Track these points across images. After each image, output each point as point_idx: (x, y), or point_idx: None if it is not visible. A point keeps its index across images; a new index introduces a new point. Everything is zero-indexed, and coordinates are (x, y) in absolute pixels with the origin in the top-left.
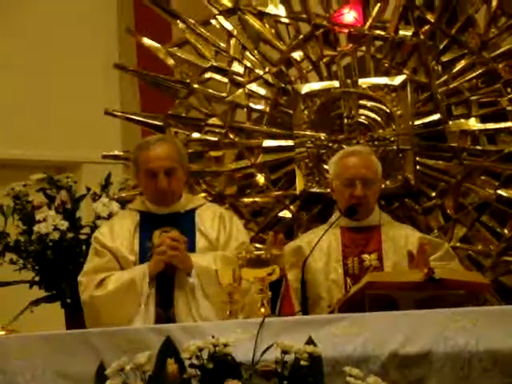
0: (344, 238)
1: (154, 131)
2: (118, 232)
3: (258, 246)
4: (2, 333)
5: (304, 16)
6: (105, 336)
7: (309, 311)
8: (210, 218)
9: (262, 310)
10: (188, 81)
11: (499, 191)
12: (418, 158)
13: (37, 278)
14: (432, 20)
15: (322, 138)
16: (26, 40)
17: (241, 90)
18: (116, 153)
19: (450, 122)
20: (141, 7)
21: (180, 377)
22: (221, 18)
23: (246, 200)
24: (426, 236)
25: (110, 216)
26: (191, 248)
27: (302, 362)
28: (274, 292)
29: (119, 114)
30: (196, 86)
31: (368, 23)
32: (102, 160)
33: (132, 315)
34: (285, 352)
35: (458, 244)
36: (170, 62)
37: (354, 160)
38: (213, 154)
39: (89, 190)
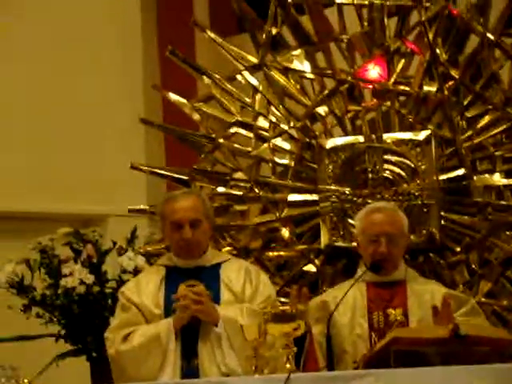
0: (369, 292)
1: (179, 185)
2: (144, 287)
3: (282, 300)
4: None
5: (329, 72)
6: None
7: (334, 367)
8: (235, 271)
9: (288, 365)
10: (213, 135)
11: None
12: (442, 213)
13: (63, 332)
14: (456, 76)
15: (347, 192)
16: (57, 91)
17: (266, 145)
18: (142, 207)
19: (475, 177)
20: (166, 62)
21: None
22: (246, 74)
23: (271, 254)
24: (451, 291)
25: (135, 270)
26: (216, 301)
27: None
28: (298, 347)
29: (145, 168)
30: (221, 140)
31: (392, 79)
32: (128, 214)
33: (157, 370)
34: None
35: (483, 299)
36: (196, 116)
37: (379, 216)
38: (238, 208)
39: (115, 244)
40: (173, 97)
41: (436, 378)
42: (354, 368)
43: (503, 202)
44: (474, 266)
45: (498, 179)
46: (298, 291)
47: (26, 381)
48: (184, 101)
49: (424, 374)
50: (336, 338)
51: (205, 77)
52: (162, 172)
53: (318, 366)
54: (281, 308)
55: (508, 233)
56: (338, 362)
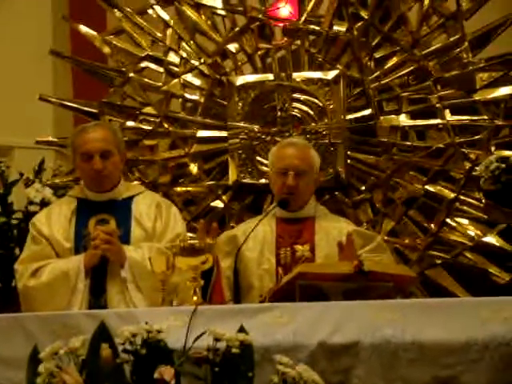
0: (278, 228)
1: (87, 118)
2: (55, 219)
3: (190, 235)
4: None
5: (240, 8)
6: (39, 320)
7: (241, 300)
8: (147, 206)
9: (195, 298)
10: (124, 69)
11: (427, 186)
12: (349, 152)
13: None
14: (365, 17)
15: (256, 129)
16: None
17: (176, 80)
18: (50, 139)
19: (381, 118)
20: None
21: (113, 361)
22: (158, 8)
23: (179, 189)
24: (359, 229)
25: (42, 202)
26: (126, 237)
27: (234, 350)
28: (206, 280)
29: (53, 99)
30: (132, 74)
31: (303, 18)
32: (35, 146)
33: (64, 307)
34: (217, 339)
35: (386, 237)
36: (106, 50)
37: (290, 150)
38: (147, 142)
39: (21, 175)
40: (83, 29)
41: (339, 313)
42: (259, 302)
43: (408, 143)
44: (377, 205)
45: (403, 120)
46: (207, 225)
47: None
48: (94, 33)
49: (327, 309)
50: (244, 272)
51: (116, 10)
52: (71, 104)
53: (225, 299)
54: (189, 242)
55: (411, 173)
56: (245, 296)
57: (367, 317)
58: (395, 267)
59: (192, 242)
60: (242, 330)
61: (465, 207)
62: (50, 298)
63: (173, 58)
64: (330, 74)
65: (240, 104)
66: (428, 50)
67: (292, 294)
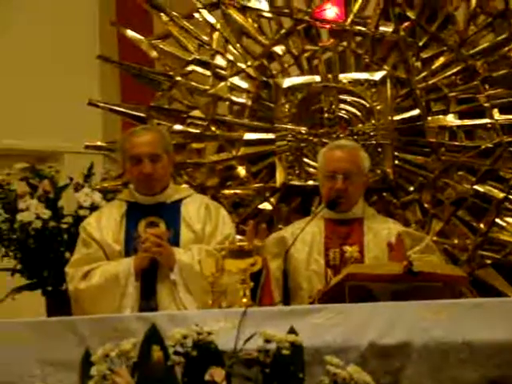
0: (327, 229)
1: (135, 123)
2: (105, 222)
3: (239, 237)
4: None
5: (286, 11)
6: (91, 323)
7: (290, 302)
8: (196, 208)
9: (244, 299)
10: (171, 73)
11: (476, 186)
12: (396, 153)
13: (19, 266)
14: (412, 17)
15: (303, 131)
16: (10, 33)
17: (223, 83)
18: (98, 143)
19: (429, 118)
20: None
21: (164, 364)
22: (204, 12)
23: (227, 192)
24: (407, 229)
25: (92, 206)
26: (176, 239)
27: (284, 351)
28: (256, 282)
29: (102, 104)
30: (179, 78)
31: (349, 19)
32: (84, 151)
33: (115, 311)
34: (267, 341)
35: (435, 238)
36: (153, 54)
37: (338, 153)
38: (194, 145)
39: (71, 179)
40: (130, 33)
41: (389, 314)
42: (309, 303)
43: (456, 143)
44: (426, 206)
45: (451, 120)
46: (256, 227)
47: None
48: (141, 38)
49: (377, 310)
50: (292, 274)
51: (162, 14)
52: (119, 109)
53: (274, 300)
54: (238, 244)
55: (460, 173)
56: (294, 298)
57: (417, 317)
58: (445, 267)
59: (241, 243)
60: (292, 331)
61: None
62: (101, 300)
63: (219, 61)
64: (377, 75)
65: (287, 106)
66: (475, 50)
67: (341, 295)
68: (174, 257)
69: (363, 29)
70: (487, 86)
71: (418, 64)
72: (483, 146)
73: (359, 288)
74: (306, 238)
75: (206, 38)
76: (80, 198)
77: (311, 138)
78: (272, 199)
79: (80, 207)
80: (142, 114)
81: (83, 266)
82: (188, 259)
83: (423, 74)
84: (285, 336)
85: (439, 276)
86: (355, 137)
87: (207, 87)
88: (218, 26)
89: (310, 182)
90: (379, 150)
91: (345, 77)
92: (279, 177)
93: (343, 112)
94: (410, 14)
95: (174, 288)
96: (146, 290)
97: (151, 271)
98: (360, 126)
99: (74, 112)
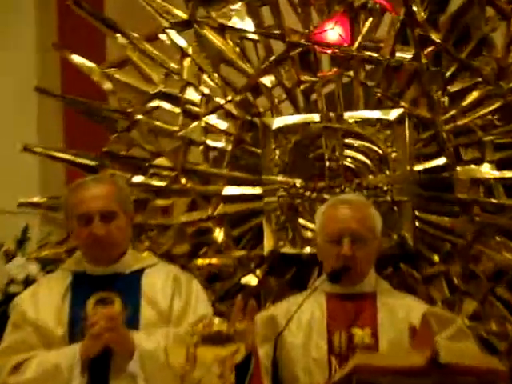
0: (330, 307)
1: (83, 173)
2: (44, 299)
3: (216, 319)
4: None
5: (277, 32)
6: None
7: None
8: (161, 281)
9: None
10: (129, 110)
11: None
12: (417, 213)
13: None
14: (437, 40)
15: (298, 185)
16: None
17: (196, 123)
18: (35, 200)
19: (459, 168)
20: (67, 15)
21: None
22: (172, 32)
23: (201, 262)
24: (433, 309)
25: (26, 280)
26: (135, 320)
27: None
28: (240, 374)
29: (40, 150)
30: (139, 116)
31: (357, 43)
32: (17, 210)
33: None
34: None
35: (467, 322)
36: (107, 86)
37: (344, 211)
38: (159, 202)
39: (0, 246)
40: (76, 59)
41: None
42: None
43: (493, 200)
44: (455, 281)
45: (487, 171)
46: (242, 303)
47: None
48: (91, 65)
49: None
50: (286, 362)
51: (118, 35)
52: (62, 155)
53: None
54: (215, 327)
55: (498, 238)
56: None
57: None
58: (480, 358)
59: (218, 326)
60: None
61: None
62: None
63: (192, 95)
64: (393, 114)
65: (277, 152)
66: None
67: None
68: (132, 343)
69: (375, 55)
70: None
71: (445, 100)
72: None
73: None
74: (303, 317)
75: (174, 65)
76: (11, 269)
77: (308, 192)
78: (258, 271)
79: (11, 281)
80: (92, 162)
81: (14, 356)
82: (151, 346)
83: (451, 113)
84: None
85: (473, 369)
86: (364, 192)
87: (176, 128)
88: (190, 51)
89: (307, 250)
90: (395, 208)
91: (351, 116)
92: (267, 243)
93: (349, 160)
94: (435, 37)
95: (133, 383)
96: None
97: (103, 361)
98: (371, 178)
99: (5, 159)
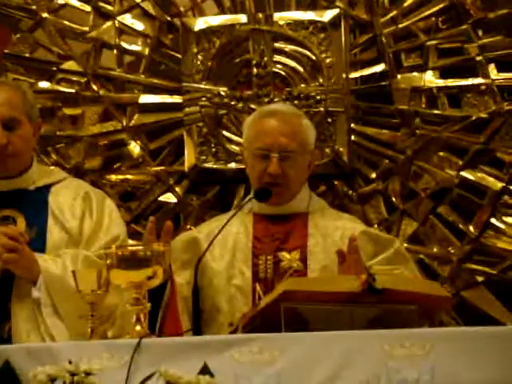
0: (256, 229)
1: None
2: None
3: (131, 242)
4: None
5: None
6: None
7: (203, 329)
8: (70, 198)
9: (138, 327)
10: (34, 7)
11: (463, 173)
12: (353, 125)
13: None
14: None
15: (222, 93)
16: None
17: (109, 24)
18: None
19: (399, 76)
20: None
21: None
22: None
23: (114, 177)
24: (371, 230)
25: None
26: (41, 241)
27: None
28: (155, 302)
29: None
30: (45, 15)
31: None
32: None
33: None
34: None
35: (406, 244)
36: None
37: (272, 123)
38: (68, 111)
39: None
40: None
41: (342, 347)
42: (229, 332)
43: (436, 111)
44: (394, 199)
45: (430, 79)
46: (153, 224)
47: None
48: None
49: (326, 342)
50: (207, 291)
51: None
52: None
53: (181, 328)
54: (130, 249)
55: (442, 154)
56: (209, 324)
57: (381, 353)
58: (421, 284)
59: (133, 248)
60: (205, 370)
61: None
62: None
63: None
64: (327, 15)
65: (200, 57)
66: None
67: (275, 320)
68: (36, 266)
69: None
70: (481, 33)
71: (385, 0)
72: (474, 117)
73: (300, 311)
74: (227, 240)
75: None
76: None
77: (234, 102)
78: (178, 188)
79: None
80: None
81: None
82: (58, 270)
83: (391, 14)
84: (196, 378)
85: (412, 295)
86: (295, 102)
87: (86, 28)
88: None
89: (232, 165)
90: (329, 120)
91: (282, 17)
92: (188, 157)
93: (279, 67)
94: None
95: (38, 310)
96: None
97: (3, 286)
98: (303, 86)
99: None
